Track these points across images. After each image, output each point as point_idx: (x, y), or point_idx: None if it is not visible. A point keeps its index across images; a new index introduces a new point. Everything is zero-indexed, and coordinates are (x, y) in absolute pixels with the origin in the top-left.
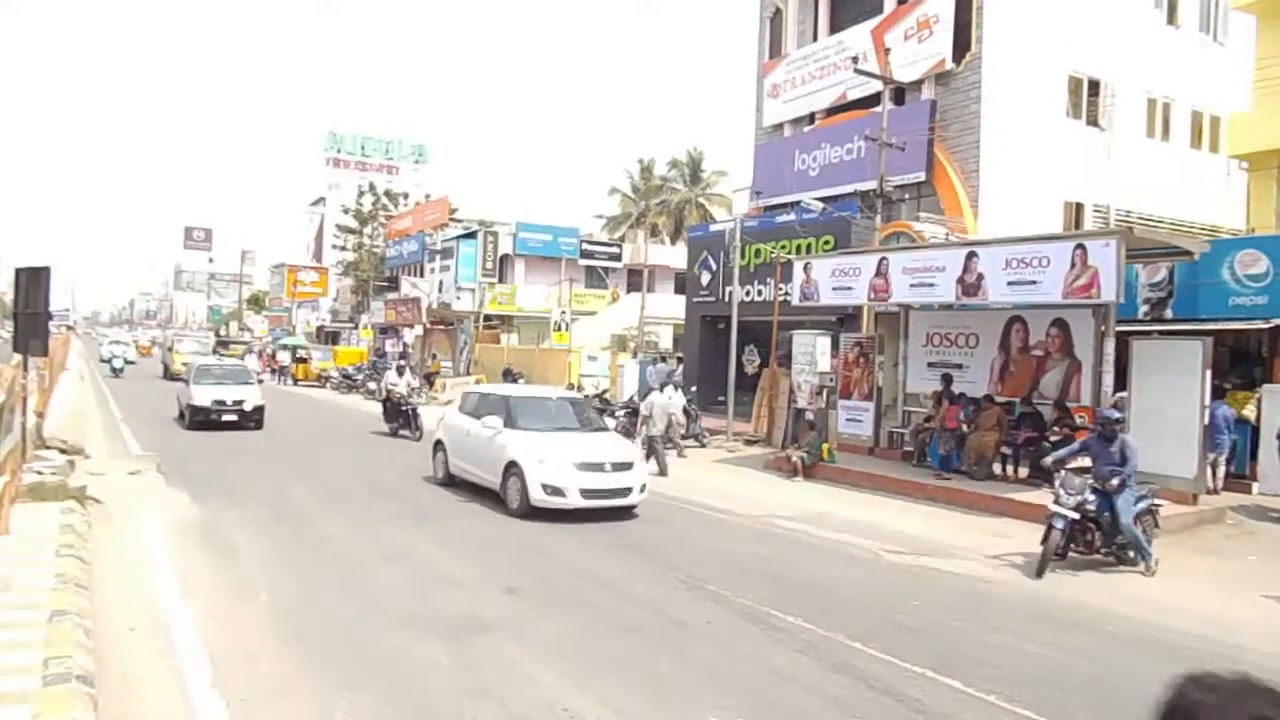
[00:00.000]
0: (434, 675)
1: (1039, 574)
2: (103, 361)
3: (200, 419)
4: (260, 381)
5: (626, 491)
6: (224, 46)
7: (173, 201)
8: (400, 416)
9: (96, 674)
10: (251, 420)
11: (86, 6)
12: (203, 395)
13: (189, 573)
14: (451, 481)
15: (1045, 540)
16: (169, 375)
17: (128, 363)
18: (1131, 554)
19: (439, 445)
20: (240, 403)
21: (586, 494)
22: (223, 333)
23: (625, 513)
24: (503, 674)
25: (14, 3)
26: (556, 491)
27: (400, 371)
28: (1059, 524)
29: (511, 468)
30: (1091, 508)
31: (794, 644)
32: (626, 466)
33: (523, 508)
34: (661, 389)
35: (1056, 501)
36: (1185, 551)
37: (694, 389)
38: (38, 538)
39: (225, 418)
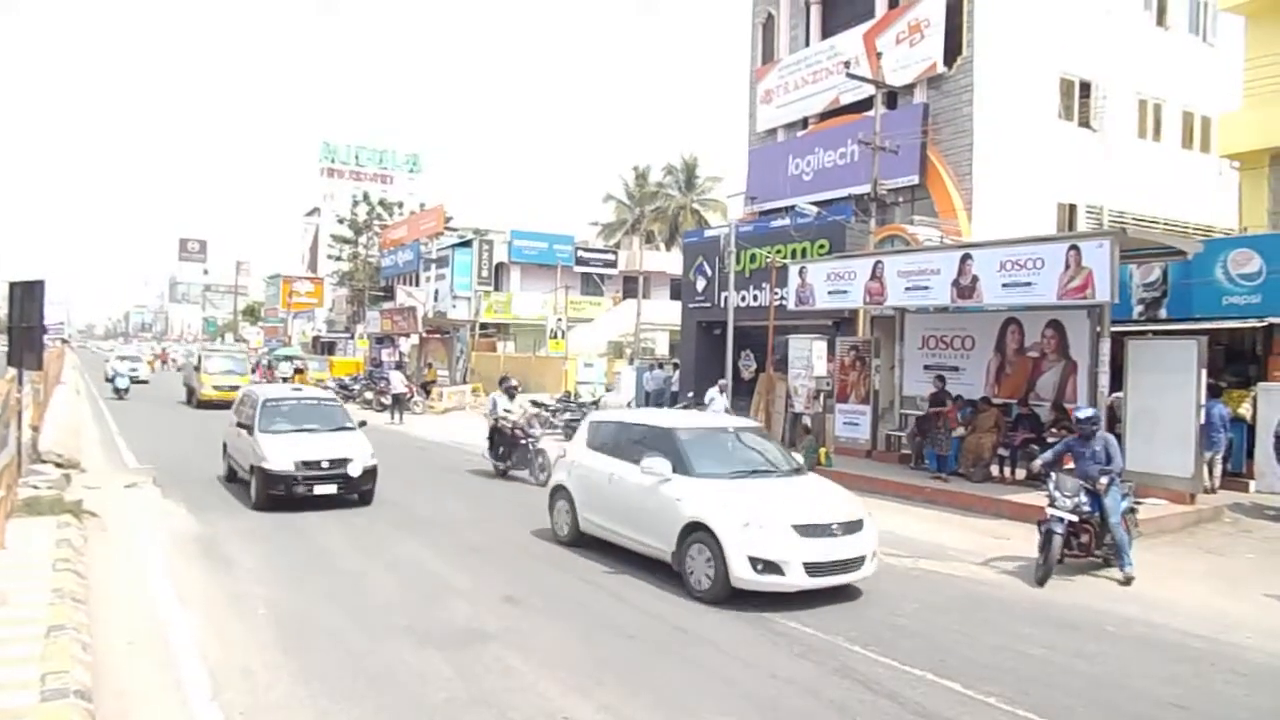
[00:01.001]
0: (433, 687)
1: (1041, 582)
2: (106, 381)
3: (280, 492)
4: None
5: (859, 563)
6: (217, 58)
7: (167, 214)
8: (514, 452)
9: (94, 689)
10: (359, 490)
11: (80, 22)
12: (281, 453)
13: (187, 586)
14: (579, 540)
15: (1046, 547)
16: (195, 401)
17: (136, 381)
18: (1113, 557)
19: (559, 492)
20: (342, 464)
21: (812, 570)
22: (218, 344)
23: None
24: (502, 683)
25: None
26: (771, 568)
27: (511, 394)
28: (1058, 528)
29: (695, 533)
30: (1086, 509)
31: (794, 648)
32: (857, 527)
33: (717, 590)
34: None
35: (1053, 505)
36: (1183, 551)
37: (690, 394)
38: (34, 552)
39: (319, 489)
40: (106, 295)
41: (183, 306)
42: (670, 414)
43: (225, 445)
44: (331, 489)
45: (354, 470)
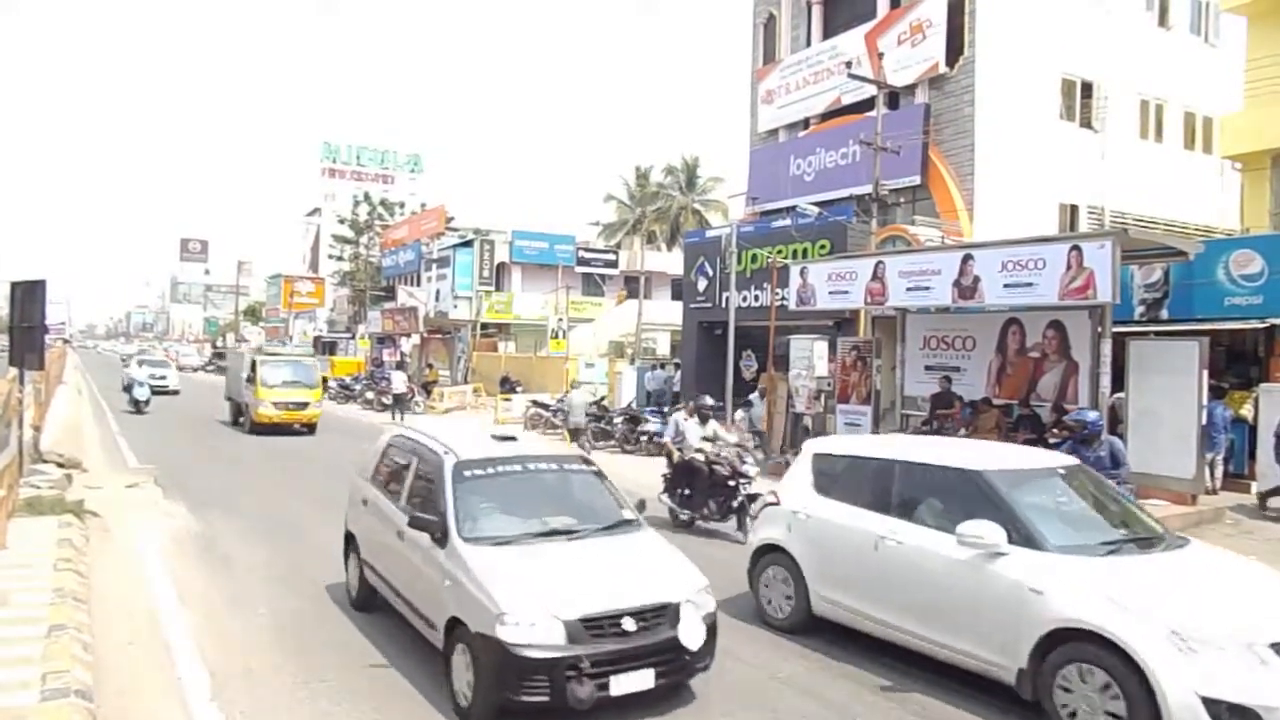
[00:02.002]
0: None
1: None
2: (123, 390)
3: (540, 696)
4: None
5: None
6: (219, 59)
7: (168, 214)
8: (712, 498)
9: (95, 688)
10: (690, 671)
11: (83, 23)
12: (527, 601)
13: (187, 586)
14: (802, 625)
15: None
16: (249, 425)
17: (162, 392)
18: None
19: (773, 556)
20: (658, 617)
21: None
22: (219, 344)
23: None
24: None
25: (6, 13)
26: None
27: (704, 417)
28: None
29: (1071, 645)
30: None
31: (794, 651)
32: None
33: None
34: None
35: None
36: None
37: (666, 410)
38: (35, 552)
39: (626, 683)
40: (108, 295)
41: (184, 306)
42: (973, 449)
43: (353, 536)
44: (647, 680)
45: (687, 634)
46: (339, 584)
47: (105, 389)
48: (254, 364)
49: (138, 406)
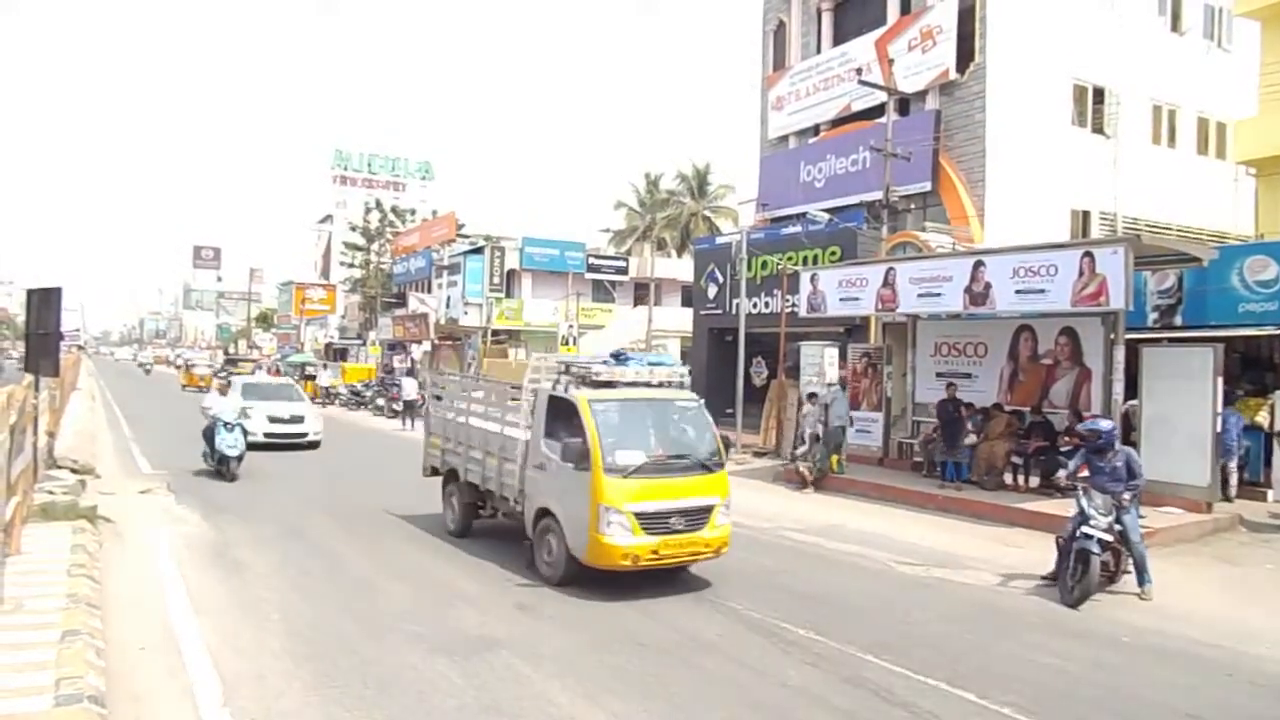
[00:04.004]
0: (444, 694)
1: (1076, 604)
2: (206, 438)
3: None
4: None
5: None
6: (231, 66)
7: (181, 221)
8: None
9: (108, 694)
10: None
11: (95, 32)
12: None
13: (200, 592)
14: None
15: (1082, 568)
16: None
17: (285, 442)
18: (1133, 575)
19: None
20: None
21: None
22: (231, 351)
23: None
24: (512, 691)
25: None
26: None
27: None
28: (1096, 549)
29: None
30: (1119, 527)
31: (805, 656)
32: None
33: None
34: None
35: (1088, 523)
36: (1200, 560)
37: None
38: (49, 557)
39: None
40: (122, 302)
41: (197, 313)
42: None
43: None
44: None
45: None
46: (351, 590)
47: (123, 400)
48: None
49: (225, 467)
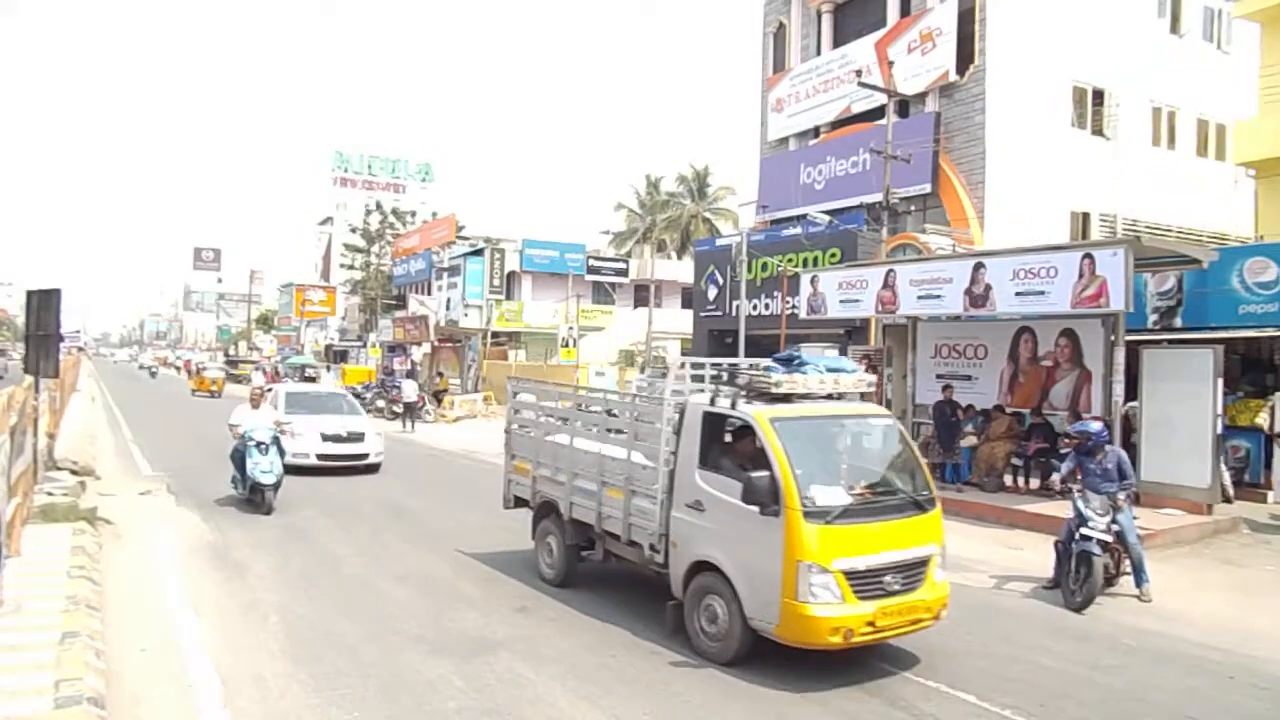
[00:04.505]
0: (444, 696)
1: (1081, 609)
2: (235, 461)
3: None
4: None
5: None
6: (231, 68)
7: (181, 222)
8: None
9: (108, 696)
10: None
11: (97, 34)
12: None
13: (199, 593)
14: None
15: (1088, 571)
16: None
17: (342, 466)
18: (1131, 576)
19: None
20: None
21: None
22: (232, 352)
23: None
24: (512, 693)
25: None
26: None
27: None
28: (1098, 551)
29: None
30: (1116, 528)
31: (806, 658)
32: None
33: None
34: None
35: (1087, 524)
36: (1201, 562)
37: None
38: (49, 559)
39: None
40: (122, 303)
41: (197, 314)
42: None
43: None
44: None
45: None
46: (351, 591)
47: (122, 402)
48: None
49: (259, 496)
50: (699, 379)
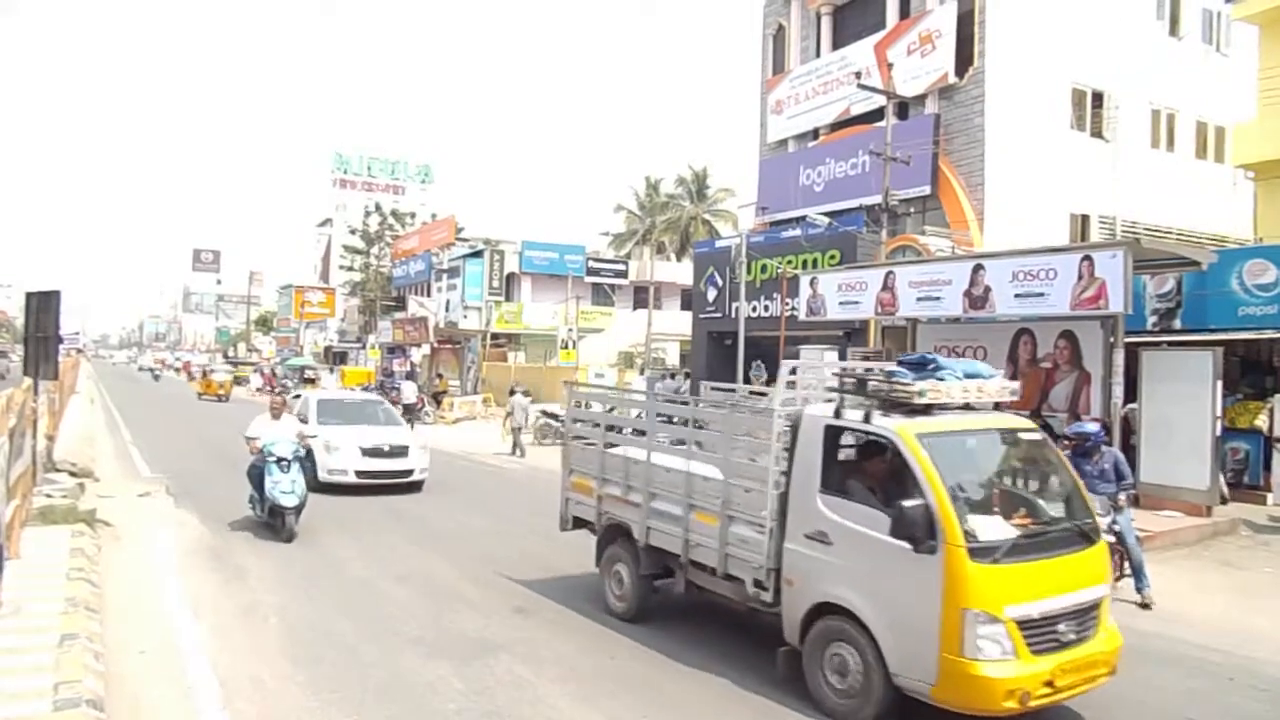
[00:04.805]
0: (443, 698)
1: None
2: (252, 480)
3: None
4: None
5: None
6: (231, 69)
7: (180, 224)
8: None
9: (107, 698)
10: None
11: (98, 35)
12: None
13: (198, 595)
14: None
15: None
16: None
17: (383, 483)
18: (1130, 578)
19: None
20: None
21: None
22: (231, 354)
23: None
24: (512, 695)
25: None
26: None
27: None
28: None
29: None
30: (1118, 529)
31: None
32: None
33: None
34: None
35: None
36: (1201, 564)
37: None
38: (48, 561)
39: None
40: (121, 305)
41: (196, 316)
42: None
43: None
44: None
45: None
46: (351, 592)
47: (123, 408)
48: None
49: (279, 521)
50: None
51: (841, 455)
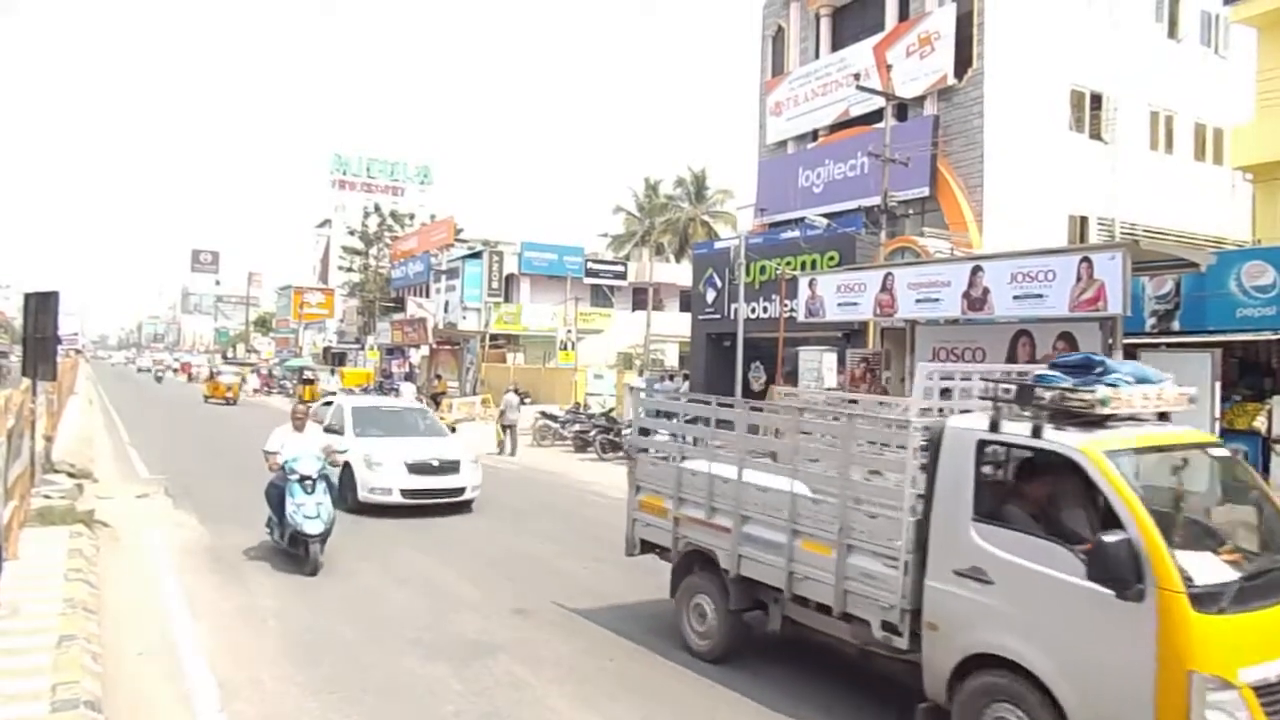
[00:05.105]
0: (442, 699)
1: None
2: (271, 502)
3: None
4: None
5: None
6: (230, 70)
7: (179, 225)
8: None
9: (105, 699)
10: None
11: (97, 35)
12: None
13: (197, 596)
14: None
15: None
16: None
17: (431, 503)
18: None
19: None
20: None
21: None
22: (230, 355)
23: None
24: (511, 696)
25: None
26: None
27: None
28: None
29: None
30: None
31: (805, 659)
32: None
33: None
34: None
35: None
36: None
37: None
38: (46, 562)
39: None
40: (120, 306)
41: (195, 317)
42: None
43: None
44: None
45: None
46: (350, 594)
47: (121, 407)
48: None
49: (302, 550)
50: (947, 393)
51: (993, 475)
